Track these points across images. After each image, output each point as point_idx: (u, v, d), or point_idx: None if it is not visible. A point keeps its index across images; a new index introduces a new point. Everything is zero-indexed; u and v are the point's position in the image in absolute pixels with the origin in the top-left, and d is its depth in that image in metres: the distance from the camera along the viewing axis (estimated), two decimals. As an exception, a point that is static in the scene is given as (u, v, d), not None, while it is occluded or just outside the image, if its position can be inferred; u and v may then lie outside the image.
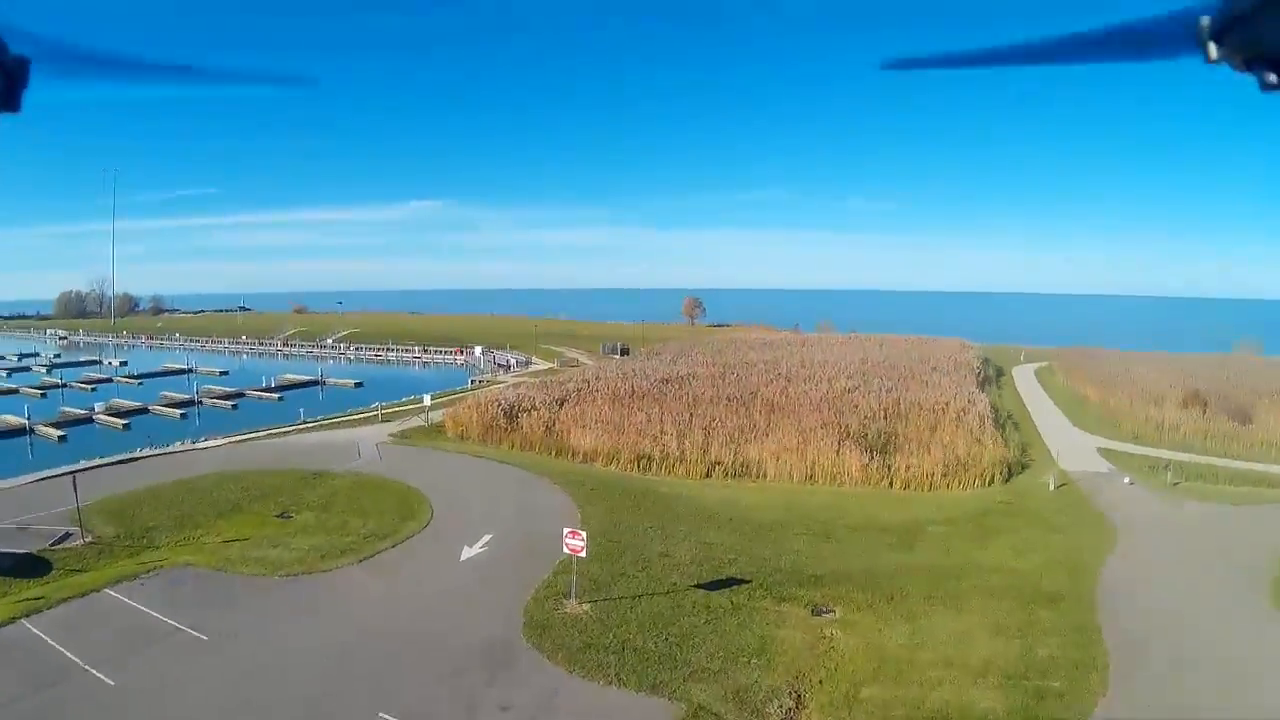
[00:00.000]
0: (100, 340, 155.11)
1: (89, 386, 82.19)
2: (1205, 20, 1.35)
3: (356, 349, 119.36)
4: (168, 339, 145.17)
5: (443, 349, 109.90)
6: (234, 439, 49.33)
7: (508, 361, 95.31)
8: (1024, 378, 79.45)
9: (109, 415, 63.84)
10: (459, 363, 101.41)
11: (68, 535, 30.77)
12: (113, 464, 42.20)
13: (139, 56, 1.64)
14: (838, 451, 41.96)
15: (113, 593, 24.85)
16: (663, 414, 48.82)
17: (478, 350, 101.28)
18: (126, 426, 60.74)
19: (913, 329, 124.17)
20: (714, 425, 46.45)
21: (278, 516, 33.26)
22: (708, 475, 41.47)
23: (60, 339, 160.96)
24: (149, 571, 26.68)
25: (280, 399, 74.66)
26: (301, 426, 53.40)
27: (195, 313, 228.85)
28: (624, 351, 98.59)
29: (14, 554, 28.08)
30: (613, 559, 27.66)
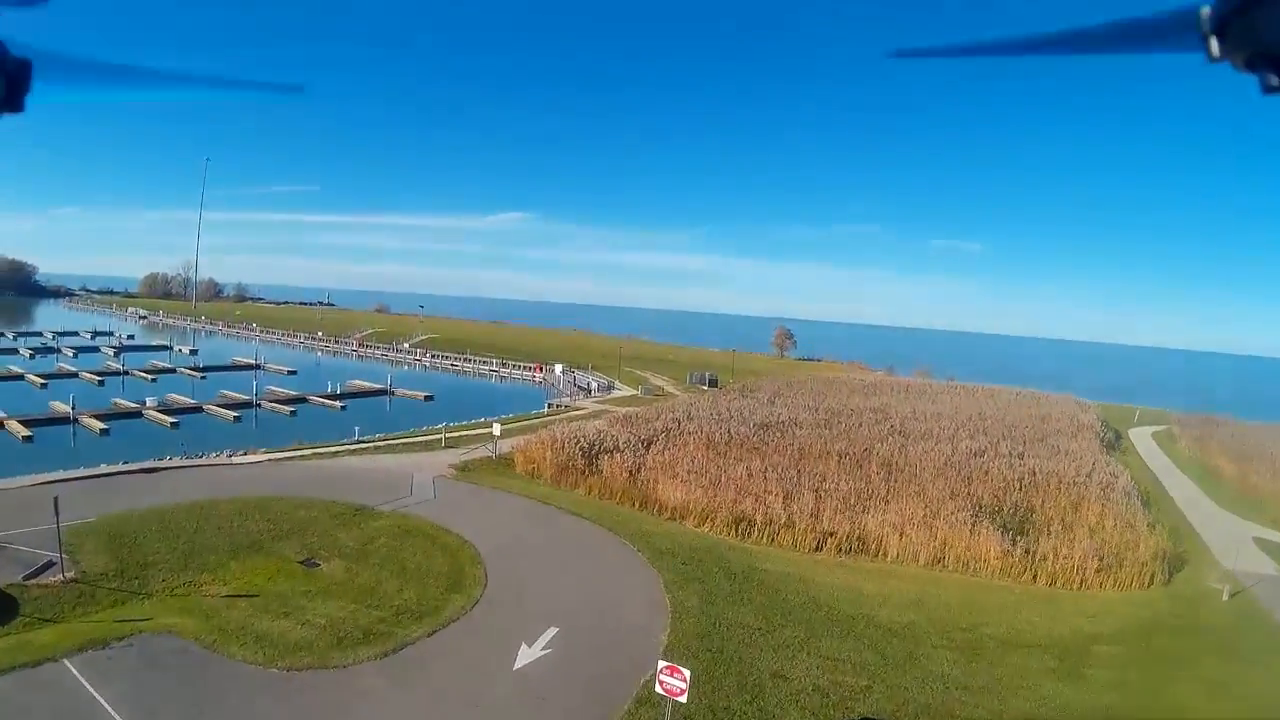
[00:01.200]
0: (179, 323, 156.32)
1: (150, 377, 79.57)
2: (1205, 11, 1.33)
3: (432, 356, 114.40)
4: (244, 328, 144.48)
5: (522, 364, 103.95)
6: (276, 455, 44.02)
7: (589, 385, 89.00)
8: (1144, 444, 71.24)
9: (159, 411, 60.12)
10: (537, 380, 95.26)
11: (50, 565, 25.54)
12: (131, 473, 37.51)
13: (135, 63, 1.70)
14: (971, 530, 34.90)
15: (70, 666, 19.31)
16: (765, 468, 41.76)
17: (558, 369, 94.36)
18: (175, 425, 56.70)
19: (1006, 378, 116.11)
20: (824, 487, 39.25)
21: (301, 563, 27.58)
22: (818, 548, 34.47)
23: (140, 318, 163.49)
24: (123, 639, 20.99)
25: (343, 408, 69.85)
26: (355, 446, 47.82)
27: (278, 304, 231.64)
28: (713, 383, 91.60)
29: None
30: (712, 680, 20.70)
